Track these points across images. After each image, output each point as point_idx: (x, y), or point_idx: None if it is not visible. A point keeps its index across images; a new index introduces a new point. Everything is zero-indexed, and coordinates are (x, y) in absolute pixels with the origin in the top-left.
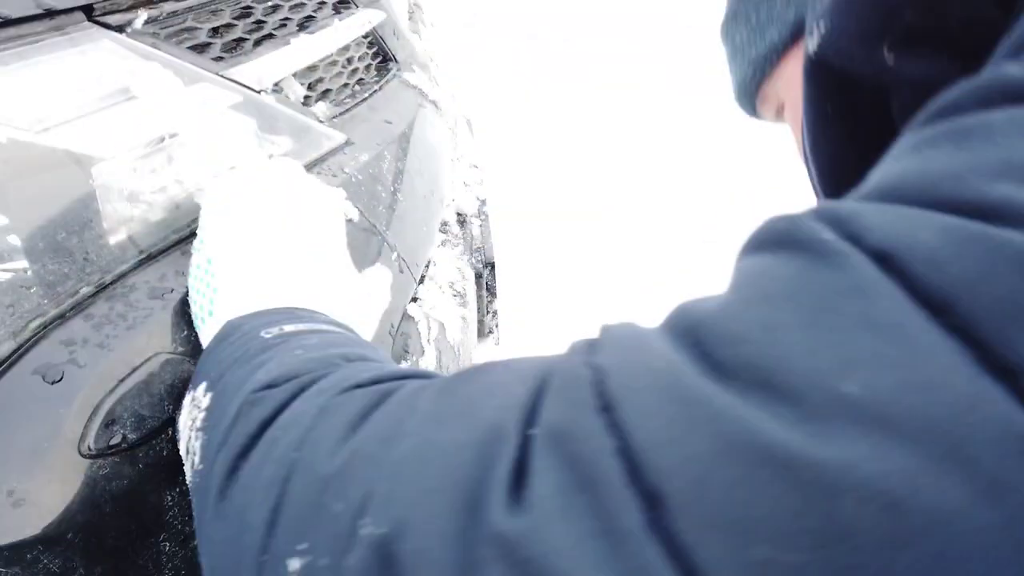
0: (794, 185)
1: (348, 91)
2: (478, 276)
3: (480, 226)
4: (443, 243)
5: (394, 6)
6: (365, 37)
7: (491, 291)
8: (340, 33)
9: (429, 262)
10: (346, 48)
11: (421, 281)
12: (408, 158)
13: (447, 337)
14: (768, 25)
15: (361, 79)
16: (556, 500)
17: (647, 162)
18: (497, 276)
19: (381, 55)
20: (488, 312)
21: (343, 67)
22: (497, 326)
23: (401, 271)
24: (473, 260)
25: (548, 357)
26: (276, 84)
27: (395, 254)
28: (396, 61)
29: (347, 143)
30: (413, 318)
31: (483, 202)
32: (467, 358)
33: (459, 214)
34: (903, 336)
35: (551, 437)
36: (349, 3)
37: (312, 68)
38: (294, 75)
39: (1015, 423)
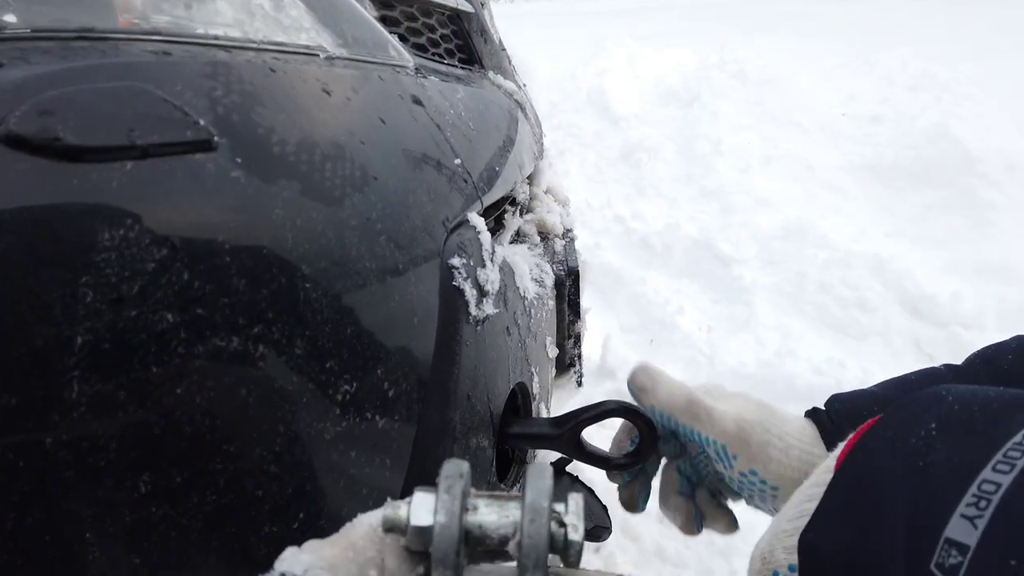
0: None
1: (426, 56)
2: (559, 284)
3: (564, 245)
4: (518, 239)
5: (485, 12)
6: (450, 21)
7: (573, 308)
8: None
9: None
10: (427, 12)
11: (489, 216)
12: (483, 119)
13: (516, 283)
14: None
15: (440, 56)
16: None
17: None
18: (582, 295)
19: (466, 52)
20: (569, 336)
21: (421, 28)
22: (579, 357)
23: (465, 181)
24: (555, 267)
25: None
26: None
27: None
28: (482, 65)
29: (417, 70)
30: (473, 226)
31: (569, 230)
32: (545, 380)
33: (541, 232)
34: None
35: None
36: None
37: (386, 4)
38: None
39: None
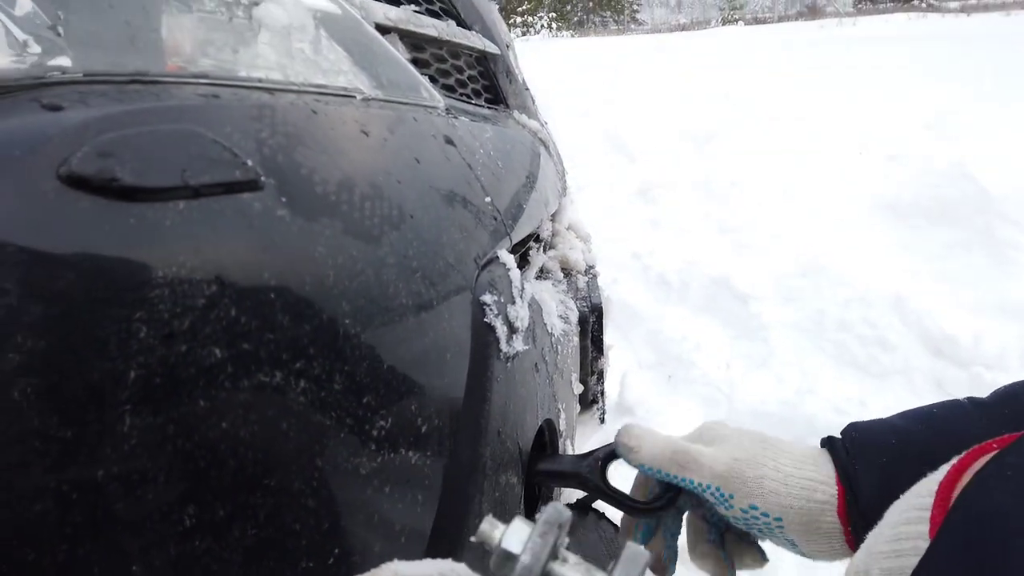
0: None
1: (455, 96)
2: (583, 320)
3: (587, 282)
4: (542, 275)
5: (510, 54)
6: (477, 62)
7: (597, 345)
8: (450, 28)
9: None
10: (456, 54)
11: (517, 252)
12: (511, 159)
13: (544, 319)
14: None
15: (467, 96)
16: None
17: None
18: (605, 332)
19: (492, 92)
20: (593, 372)
21: (450, 69)
22: (602, 394)
23: (495, 218)
24: (578, 303)
25: None
26: (379, 26)
27: (488, 198)
28: (507, 105)
29: (448, 110)
30: (504, 263)
31: (592, 266)
32: (571, 416)
33: (564, 268)
34: None
35: None
36: (465, 24)
37: (417, 47)
38: (399, 36)
39: None
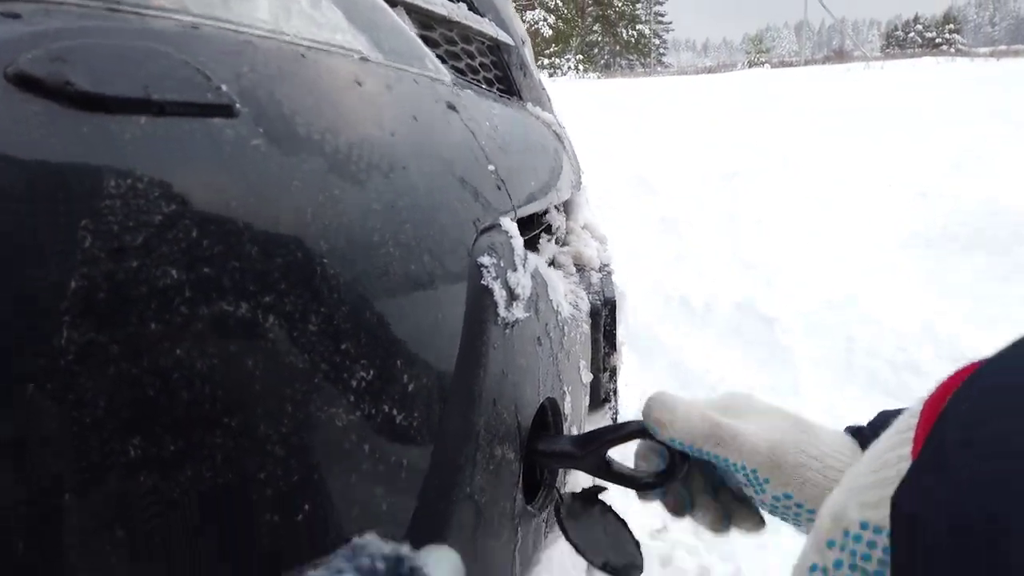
0: None
1: (464, 80)
2: (595, 313)
3: (601, 278)
4: (552, 266)
5: (525, 50)
6: (490, 51)
7: (609, 340)
8: (461, 10)
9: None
10: (467, 39)
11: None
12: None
13: (550, 296)
14: None
15: (478, 83)
16: None
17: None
18: (619, 327)
19: (506, 84)
20: (605, 368)
21: (460, 53)
22: (615, 393)
23: (499, 188)
24: (591, 296)
25: None
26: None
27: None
28: (521, 97)
29: (453, 82)
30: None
31: (606, 265)
32: (578, 404)
33: (577, 265)
34: None
35: None
36: (479, 11)
37: (426, 25)
38: (407, 10)
39: None
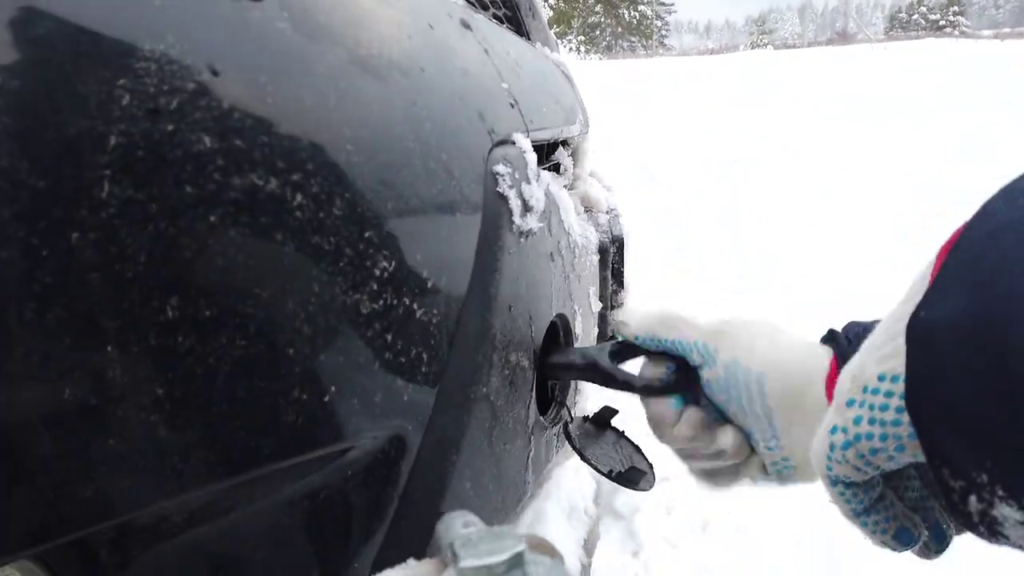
0: None
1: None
2: (603, 250)
3: (608, 219)
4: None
5: None
6: None
7: (617, 278)
8: None
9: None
10: None
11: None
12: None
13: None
14: None
15: (488, 17)
16: None
17: None
18: (627, 265)
19: (515, 24)
20: (613, 307)
21: None
22: None
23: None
24: (599, 234)
25: None
26: None
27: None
28: (529, 38)
29: (466, 4)
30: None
31: (613, 208)
32: (588, 327)
33: (585, 206)
34: None
35: None
36: None
37: None
38: None
39: None
